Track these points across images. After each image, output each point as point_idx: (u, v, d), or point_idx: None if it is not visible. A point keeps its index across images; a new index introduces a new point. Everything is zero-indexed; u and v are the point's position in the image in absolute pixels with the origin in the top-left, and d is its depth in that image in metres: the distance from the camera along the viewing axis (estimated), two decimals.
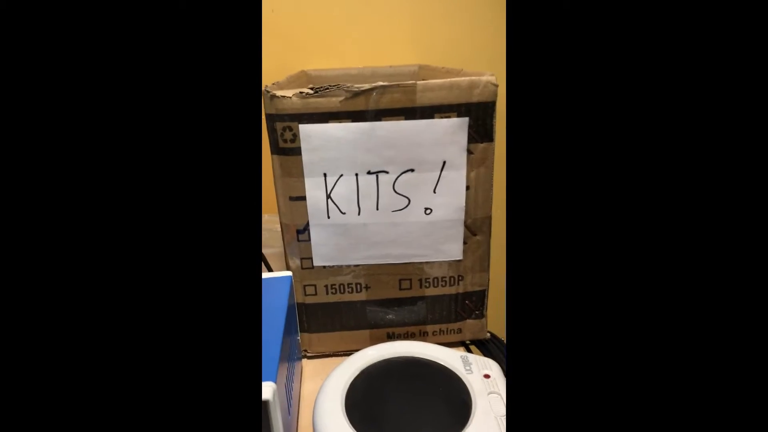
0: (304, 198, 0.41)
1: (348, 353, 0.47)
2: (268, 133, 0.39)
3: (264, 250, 0.55)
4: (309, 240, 0.42)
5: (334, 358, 0.48)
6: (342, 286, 0.45)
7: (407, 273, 0.44)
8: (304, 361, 0.48)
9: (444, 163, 0.39)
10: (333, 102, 0.37)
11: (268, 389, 0.28)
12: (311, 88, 0.37)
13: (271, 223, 0.63)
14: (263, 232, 0.60)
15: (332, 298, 0.45)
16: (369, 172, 0.40)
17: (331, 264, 0.44)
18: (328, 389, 0.39)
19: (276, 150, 0.39)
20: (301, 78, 0.58)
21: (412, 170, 0.40)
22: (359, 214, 0.41)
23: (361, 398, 0.38)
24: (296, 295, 0.45)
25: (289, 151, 0.39)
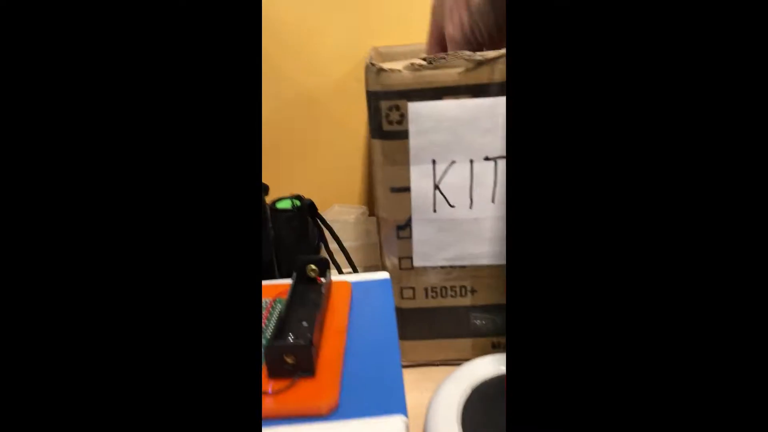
0: (407, 189, 0.35)
1: (445, 363, 0.42)
2: (370, 114, 0.33)
3: (331, 245, 0.50)
4: (410, 237, 0.37)
5: (430, 368, 0.42)
6: (444, 290, 0.39)
7: None
8: None
9: None
10: (451, 74, 0.31)
11: (399, 425, 0.23)
12: (424, 59, 0.31)
13: (342, 213, 0.58)
14: (334, 224, 0.55)
15: (432, 303, 0.40)
16: (486, 158, 0.34)
17: (433, 265, 0.38)
18: (439, 412, 0.34)
19: (379, 134, 0.34)
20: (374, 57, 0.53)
21: None
22: (471, 207, 0.35)
23: (481, 423, 0.32)
24: None
25: (394, 134, 0.33)
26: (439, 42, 0.37)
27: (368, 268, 0.56)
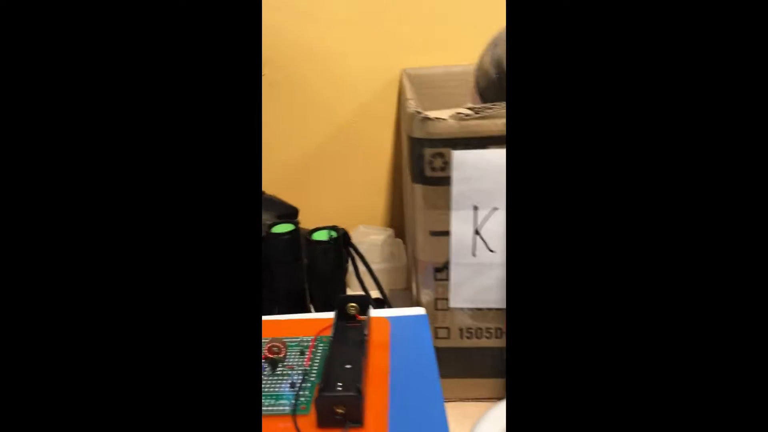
0: (447, 233, 0.35)
1: (480, 399, 0.41)
2: (412, 159, 0.33)
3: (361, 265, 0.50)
4: (447, 279, 0.37)
5: (462, 403, 0.42)
6: (479, 331, 0.39)
7: None
8: None
9: None
10: (496, 124, 0.31)
11: None
12: (470, 108, 0.31)
13: (368, 234, 0.58)
14: (361, 245, 0.55)
15: (467, 343, 0.40)
16: None
17: (470, 306, 0.38)
18: None
19: (421, 179, 0.33)
20: (411, 83, 0.53)
21: None
22: None
23: None
24: None
25: (436, 180, 0.33)
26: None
27: (393, 291, 0.55)
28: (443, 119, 0.31)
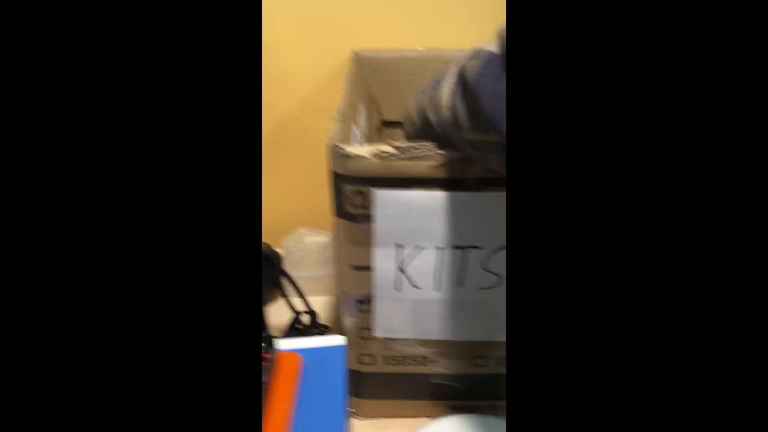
0: (370, 268, 0.33)
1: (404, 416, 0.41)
2: (333, 193, 0.30)
3: (295, 272, 0.48)
4: (370, 311, 0.35)
5: (387, 420, 0.42)
6: (404, 358, 0.38)
7: (485, 350, 0.37)
8: (353, 421, 0.42)
9: None
10: (422, 167, 0.28)
11: None
12: (393, 146, 0.28)
13: (307, 237, 0.55)
14: (297, 251, 0.52)
15: (392, 369, 0.38)
16: (457, 247, 0.31)
17: (396, 337, 0.36)
18: None
19: (341, 214, 0.31)
20: (357, 76, 0.48)
21: None
22: (437, 289, 0.33)
23: None
24: (350, 360, 0.38)
25: (358, 217, 0.30)
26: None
27: (331, 299, 0.54)
28: (364, 157, 0.28)
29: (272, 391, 0.29)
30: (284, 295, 0.48)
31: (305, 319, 0.47)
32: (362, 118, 0.45)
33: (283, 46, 0.53)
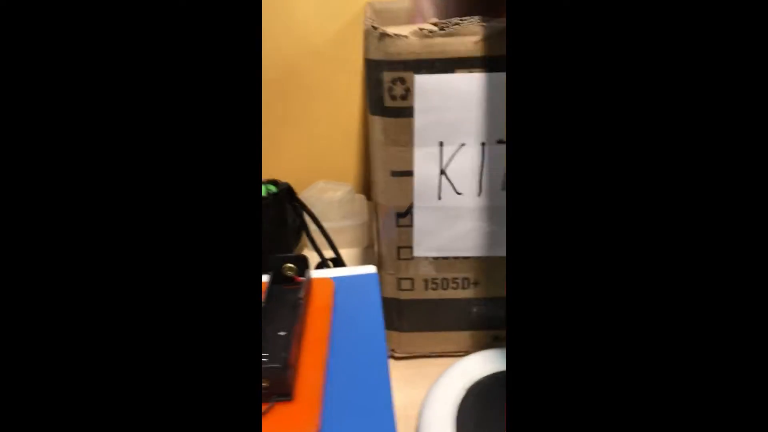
0: (410, 173, 0.31)
1: (443, 355, 0.39)
2: (369, 87, 0.29)
3: (322, 224, 0.47)
4: (411, 225, 0.33)
5: (425, 360, 0.40)
6: (445, 281, 0.36)
7: None
8: (391, 362, 0.40)
9: None
10: (465, 43, 0.27)
11: None
12: (435, 24, 0.27)
13: (327, 191, 0.54)
14: (318, 203, 0.50)
15: (432, 295, 0.37)
16: (500, 141, 0.30)
17: (435, 255, 0.35)
18: (433, 415, 0.31)
19: (379, 109, 0.29)
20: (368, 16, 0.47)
21: None
22: (479, 194, 0.32)
23: (476, 426, 0.30)
24: (387, 288, 0.37)
25: (397, 111, 0.29)
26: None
27: (354, 251, 0.52)
28: (404, 36, 0.27)
29: (307, 315, 0.27)
30: (312, 241, 0.46)
31: (331, 265, 0.45)
32: None
33: None
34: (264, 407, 0.21)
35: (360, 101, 0.57)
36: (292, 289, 0.27)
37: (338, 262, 0.46)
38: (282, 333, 0.24)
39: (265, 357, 0.22)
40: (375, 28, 0.27)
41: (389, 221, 0.34)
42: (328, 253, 0.46)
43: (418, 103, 0.29)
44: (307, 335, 0.26)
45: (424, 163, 0.31)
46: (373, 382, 0.24)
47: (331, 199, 0.52)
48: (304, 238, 0.47)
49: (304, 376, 0.23)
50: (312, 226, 0.45)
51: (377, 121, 0.30)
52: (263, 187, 0.35)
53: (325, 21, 0.53)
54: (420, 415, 0.32)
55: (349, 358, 0.25)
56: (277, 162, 0.57)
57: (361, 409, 0.22)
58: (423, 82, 0.28)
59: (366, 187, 0.60)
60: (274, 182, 0.36)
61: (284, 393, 0.21)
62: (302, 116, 0.57)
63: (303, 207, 0.41)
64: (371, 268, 0.34)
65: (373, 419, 0.22)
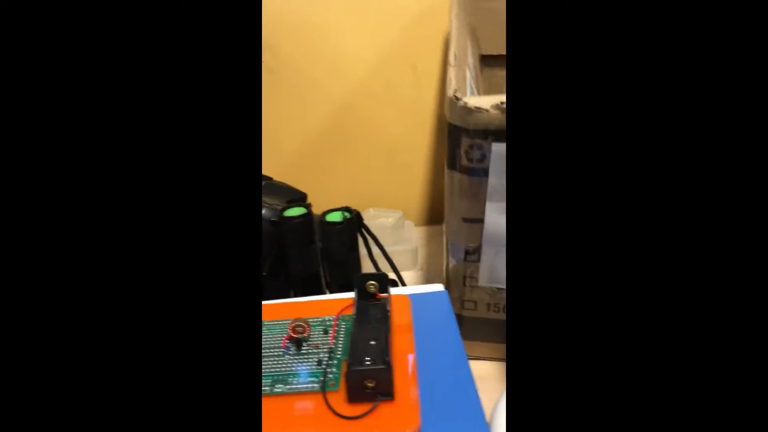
0: (480, 221, 0.33)
1: (498, 360, 0.42)
2: (449, 147, 0.30)
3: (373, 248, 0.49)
4: (477, 261, 0.36)
5: (487, 362, 0.43)
6: (506, 307, 0.39)
7: None
8: None
9: None
10: None
11: None
12: None
13: (378, 217, 0.55)
14: (371, 229, 0.52)
15: (495, 316, 0.40)
16: None
17: (500, 286, 0.37)
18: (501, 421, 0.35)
19: (456, 167, 0.31)
20: (461, 6, 0.46)
21: None
22: None
23: None
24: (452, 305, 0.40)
25: (473, 171, 0.31)
26: None
27: (409, 273, 0.54)
28: (484, 110, 0.28)
29: (393, 329, 0.30)
30: (374, 263, 0.48)
31: (399, 284, 0.48)
32: (470, 58, 0.44)
33: (339, 28, 0.52)
34: (369, 407, 0.23)
35: (402, 134, 0.58)
36: (376, 304, 0.29)
37: (397, 284, 0.49)
38: (373, 342, 0.25)
39: (368, 360, 0.24)
40: (458, 99, 0.28)
41: (458, 255, 0.36)
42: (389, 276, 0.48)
43: (494, 166, 0.30)
44: (395, 345, 0.27)
45: (495, 215, 0.32)
46: (460, 386, 0.25)
47: (384, 224, 0.54)
48: (364, 261, 0.50)
49: (400, 379, 0.25)
50: (374, 250, 0.48)
51: (455, 177, 0.31)
52: (340, 213, 0.38)
53: (364, 57, 0.54)
54: (492, 418, 0.36)
55: (434, 364, 0.27)
56: (331, 191, 0.60)
57: (453, 410, 0.24)
58: (500, 148, 0.29)
59: (408, 212, 0.61)
60: (347, 209, 0.39)
61: (387, 393, 0.23)
62: (348, 146, 0.59)
63: (369, 232, 0.44)
64: (440, 287, 0.37)
65: (465, 417, 0.23)
